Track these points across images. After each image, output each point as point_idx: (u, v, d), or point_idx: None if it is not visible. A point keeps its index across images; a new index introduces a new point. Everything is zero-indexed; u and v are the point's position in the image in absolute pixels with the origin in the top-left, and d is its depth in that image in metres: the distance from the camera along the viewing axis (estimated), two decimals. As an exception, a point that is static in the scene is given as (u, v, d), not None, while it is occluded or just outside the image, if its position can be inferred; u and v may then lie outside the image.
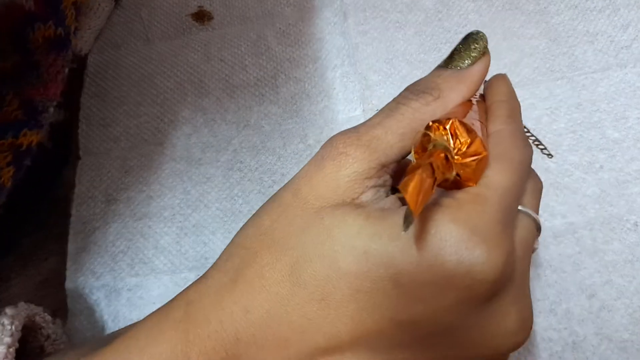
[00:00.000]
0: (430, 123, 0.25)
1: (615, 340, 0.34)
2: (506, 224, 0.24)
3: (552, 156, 0.39)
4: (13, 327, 0.29)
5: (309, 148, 0.42)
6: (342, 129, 0.41)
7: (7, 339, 0.28)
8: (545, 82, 0.42)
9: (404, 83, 0.43)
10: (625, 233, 0.36)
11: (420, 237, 0.23)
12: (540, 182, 0.30)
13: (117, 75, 0.47)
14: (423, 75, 0.44)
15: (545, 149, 0.39)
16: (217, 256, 0.40)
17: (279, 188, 0.41)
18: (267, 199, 0.41)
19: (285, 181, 0.41)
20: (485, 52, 0.29)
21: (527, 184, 0.28)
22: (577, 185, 0.38)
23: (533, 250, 0.28)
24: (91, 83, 0.47)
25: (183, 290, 0.27)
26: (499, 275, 0.23)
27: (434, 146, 0.24)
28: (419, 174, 0.21)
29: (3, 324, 0.28)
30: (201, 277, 0.27)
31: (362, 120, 0.42)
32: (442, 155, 0.24)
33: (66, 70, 0.34)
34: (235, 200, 0.42)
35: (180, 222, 0.42)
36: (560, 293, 0.36)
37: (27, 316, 0.31)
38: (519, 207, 0.27)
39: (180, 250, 0.41)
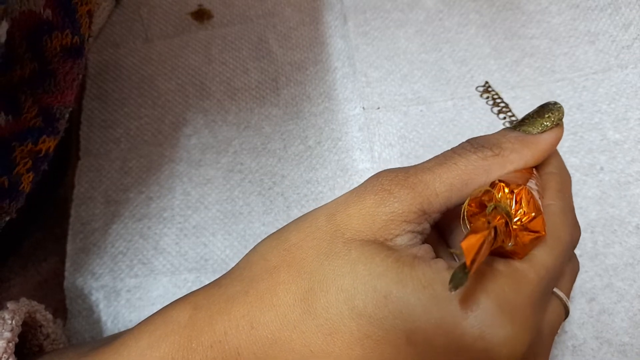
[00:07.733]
0: (497, 181, 0.24)
1: (615, 344, 0.34)
2: (538, 307, 0.23)
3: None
4: (13, 322, 0.28)
5: (310, 149, 0.42)
6: (342, 129, 0.42)
7: (7, 334, 0.27)
8: (546, 83, 0.41)
9: (405, 81, 0.44)
10: (626, 236, 0.36)
11: (447, 299, 0.22)
12: (578, 265, 0.28)
13: (118, 77, 0.47)
14: (423, 74, 0.44)
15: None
16: (217, 258, 0.40)
17: (279, 189, 0.41)
18: (267, 200, 0.41)
19: (286, 183, 0.42)
20: (559, 124, 0.27)
21: (567, 266, 0.27)
22: (578, 187, 0.38)
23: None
24: (93, 85, 0.47)
25: (191, 293, 0.27)
26: (519, 359, 0.22)
27: (495, 207, 0.23)
28: (484, 235, 0.20)
29: (4, 318, 0.28)
30: (214, 282, 0.27)
31: (361, 119, 0.42)
32: (503, 220, 0.22)
33: (80, 77, 0.34)
34: (235, 201, 0.42)
35: (180, 223, 0.41)
36: (561, 296, 0.36)
37: (27, 312, 0.30)
38: (553, 289, 0.26)
39: (180, 251, 0.41)
